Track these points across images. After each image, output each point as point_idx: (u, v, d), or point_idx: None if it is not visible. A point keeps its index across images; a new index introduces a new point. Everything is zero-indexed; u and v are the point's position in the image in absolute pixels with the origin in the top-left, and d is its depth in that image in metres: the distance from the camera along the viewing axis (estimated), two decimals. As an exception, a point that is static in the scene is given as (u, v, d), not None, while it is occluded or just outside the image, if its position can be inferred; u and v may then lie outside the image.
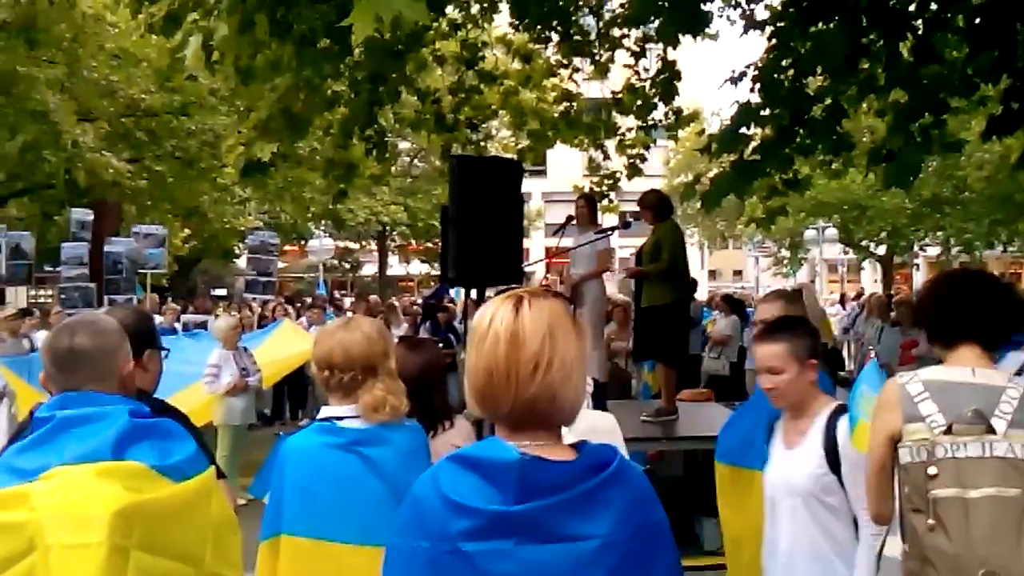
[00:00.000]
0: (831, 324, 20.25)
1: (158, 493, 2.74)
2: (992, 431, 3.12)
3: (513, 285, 13.18)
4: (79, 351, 2.96)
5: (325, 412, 3.62)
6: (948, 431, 3.14)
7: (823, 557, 3.85)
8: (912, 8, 8.79)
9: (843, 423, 3.88)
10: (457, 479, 2.07)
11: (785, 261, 45.76)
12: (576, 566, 2.02)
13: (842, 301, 29.62)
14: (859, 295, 29.76)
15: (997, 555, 3.02)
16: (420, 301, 22.12)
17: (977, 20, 8.56)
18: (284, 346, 12.90)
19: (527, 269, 10.26)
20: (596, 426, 4.19)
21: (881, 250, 39.78)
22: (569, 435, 4.07)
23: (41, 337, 13.08)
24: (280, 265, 45.05)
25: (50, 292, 20.56)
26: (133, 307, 9.72)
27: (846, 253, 43.83)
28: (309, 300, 26.02)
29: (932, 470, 3.12)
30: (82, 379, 2.94)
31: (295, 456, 3.53)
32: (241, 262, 33.75)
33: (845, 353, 21.68)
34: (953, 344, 3.39)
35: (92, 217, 17.75)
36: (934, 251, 41.06)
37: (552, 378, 2.10)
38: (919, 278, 46.62)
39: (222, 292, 38.96)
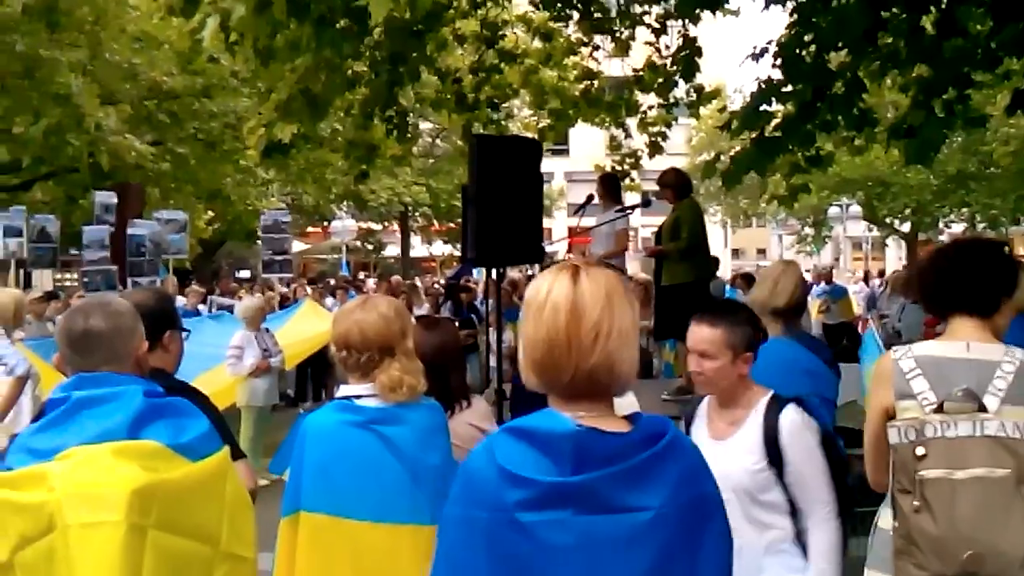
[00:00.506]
0: (852, 302, 20.22)
1: (175, 472, 2.75)
2: (984, 409, 3.08)
3: (534, 264, 13.19)
4: (94, 333, 2.98)
5: (344, 391, 3.65)
6: (939, 409, 3.11)
7: (753, 556, 3.56)
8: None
9: (788, 415, 3.60)
10: (512, 450, 2.08)
11: (809, 239, 45.50)
12: (630, 536, 2.04)
13: (866, 279, 29.49)
14: (882, 273, 29.62)
15: (983, 536, 3.00)
16: (442, 281, 22.14)
17: (1001, -7, 8.47)
18: (306, 326, 12.92)
19: (548, 249, 10.25)
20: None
21: (906, 227, 39.52)
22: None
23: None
24: (303, 247, 45.35)
25: (75, 275, 20.64)
26: (154, 288, 9.76)
27: (870, 230, 43.57)
28: (332, 281, 26.09)
29: (920, 451, 3.09)
30: (97, 361, 2.96)
31: (314, 434, 3.57)
32: (263, 243, 33.90)
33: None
34: (948, 315, 3.36)
35: (116, 200, 17.78)
36: (959, 228, 40.76)
37: (611, 347, 2.12)
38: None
39: (246, 274, 39.05)
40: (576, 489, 2.02)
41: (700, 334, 3.71)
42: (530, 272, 15.76)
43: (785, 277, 5.03)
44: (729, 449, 3.63)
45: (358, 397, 3.58)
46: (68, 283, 20.96)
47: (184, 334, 3.91)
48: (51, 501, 2.57)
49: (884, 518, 3.39)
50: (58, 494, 2.58)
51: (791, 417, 3.59)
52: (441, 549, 2.20)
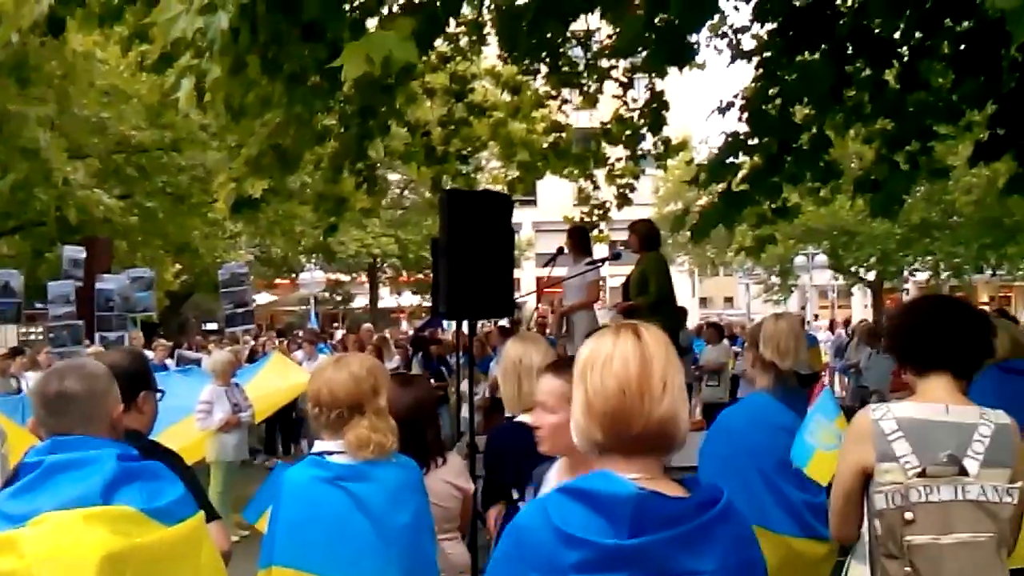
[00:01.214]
0: (820, 351, 20.25)
1: (147, 537, 2.74)
2: (965, 472, 3.12)
3: (505, 318, 13.17)
4: (69, 395, 2.99)
5: (318, 446, 3.67)
6: (922, 474, 3.13)
7: None
8: (897, 36, 8.85)
9: None
10: (568, 511, 2.09)
11: (775, 288, 45.83)
12: None
13: (831, 327, 29.66)
14: (848, 321, 29.79)
15: None
16: (411, 332, 22.08)
17: (962, 47, 8.63)
18: (275, 380, 12.84)
19: (518, 299, 10.28)
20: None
21: (871, 275, 39.86)
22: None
23: (31, 377, 13.05)
24: (272, 298, 45.19)
25: (40, 329, 20.49)
26: (127, 348, 9.68)
27: (836, 279, 43.91)
28: (300, 333, 25.98)
29: (908, 515, 3.12)
30: (71, 423, 2.96)
31: (289, 488, 3.59)
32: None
33: (837, 381, 21.71)
34: (925, 372, 3.36)
35: (85, 254, 17.71)
36: (923, 276, 41.15)
37: (675, 398, 2.16)
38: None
39: (213, 326, 38.85)
40: (634, 552, 2.03)
41: (544, 384, 3.48)
42: (500, 323, 15.74)
43: (796, 337, 4.98)
44: None
45: (330, 453, 3.60)
46: (33, 337, 20.79)
47: (158, 395, 3.90)
48: (21, 569, 2.55)
49: (856, 572, 3.41)
50: (28, 560, 2.56)
51: None
52: None
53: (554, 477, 3.47)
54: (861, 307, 48.78)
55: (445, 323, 17.80)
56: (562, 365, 3.41)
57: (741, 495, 4.54)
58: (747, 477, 4.62)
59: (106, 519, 2.67)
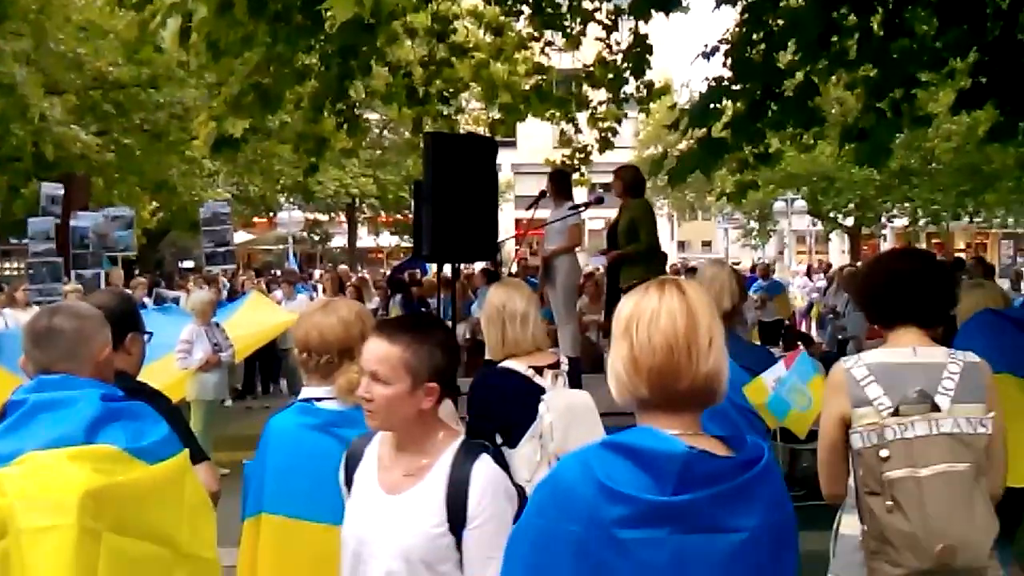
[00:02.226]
0: (788, 299, 20.27)
1: (129, 475, 2.76)
2: (937, 408, 3.20)
3: (487, 261, 13.18)
4: (56, 330, 3.04)
5: (305, 393, 3.66)
6: (895, 413, 3.22)
7: None
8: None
9: (481, 468, 2.94)
10: (613, 466, 2.08)
11: (754, 232, 45.95)
12: (723, 556, 2.07)
13: (808, 273, 29.74)
14: (828, 268, 29.89)
15: (952, 529, 3.12)
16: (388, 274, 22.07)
17: (947, -5, 8.63)
18: (255, 318, 12.83)
19: (500, 242, 10.28)
20: (573, 404, 4.19)
21: (849, 221, 40.02)
22: (547, 414, 4.10)
23: (8, 315, 13.00)
24: (249, 237, 44.98)
25: (16, 264, 20.40)
26: (115, 290, 9.63)
27: (814, 224, 44.04)
28: (278, 272, 25.92)
29: (884, 452, 3.20)
30: (56, 357, 3.01)
31: (276, 436, 3.59)
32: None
33: (814, 327, 21.82)
34: (892, 326, 3.48)
35: (63, 191, 17.59)
36: (901, 222, 41.39)
37: (720, 354, 2.18)
38: (886, 248, 46.90)
39: (190, 264, 38.70)
40: (678, 508, 2.04)
41: (373, 349, 2.98)
42: (483, 266, 15.74)
43: (730, 278, 5.05)
44: (403, 506, 2.96)
45: (318, 399, 3.59)
46: (8, 272, 20.68)
47: (146, 336, 3.91)
48: (4, 507, 2.56)
49: (847, 524, 3.49)
50: (10, 499, 2.58)
51: (485, 471, 2.94)
52: (519, 557, 2.21)
53: (374, 454, 3.12)
54: (839, 252, 49.01)
55: (426, 267, 17.83)
56: (394, 327, 3.05)
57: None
58: None
59: (88, 458, 2.69)
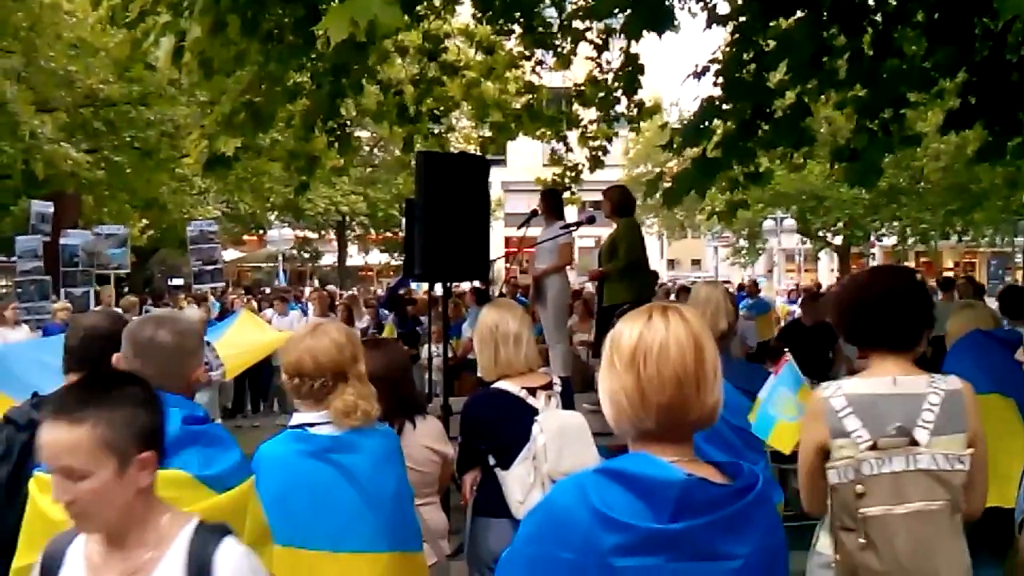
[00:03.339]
0: (772, 320, 19.89)
1: (196, 504, 2.72)
2: (915, 443, 3.18)
3: (479, 279, 13.16)
4: (157, 343, 3.12)
5: (297, 419, 3.62)
6: (873, 447, 3.19)
7: None
8: (872, 3, 8.88)
9: (227, 555, 2.43)
10: (609, 493, 2.07)
11: (743, 251, 46.03)
12: None
13: (789, 296, 29.52)
14: (818, 287, 29.85)
15: (924, 566, 3.12)
16: (383, 292, 22.02)
17: (936, 15, 8.66)
18: (245, 338, 12.79)
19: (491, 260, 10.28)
20: (567, 425, 4.19)
21: (838, 240, 40.14)
22: (540, 435, 4.10)
23: (-1, 332, 12.95)
24: (239, 255, 44.93)
25: (3, 282, 20.37)
26: (107, 310, 9.59)
27: (804, 243, 44.14)
28: (268, 290, 25.89)
29: (859, 488, 3.18)
30: (152, 371, 3.00)
31: (268, 464, 3.53)
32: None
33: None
34: (870, 351, 3.44)
35: (52, 209, 17.59)
36: (890, 241, 41.51)
37: (720, 383, 2.18)
38: (861, 269, 47.11)
39: (180, 282, 38.64)
40: (675, 536, 2.03)
41: (55, 440, 2.29)
42: (474, 285, 15.71)
43: (725, 299, 5.08)
44: None
45: (311, 425, 3.56)
46: (-4, 289, 20.63)
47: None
48: (62, 521, 2.50)
49: (822, 541, 3.47)
50: None
51: (232, 558, 2.45)
52: None
53: (80, 556, 2.47)
54: (828, 271, 49.09)
55: (415, 285, 17.79)
56: (71, 402, 2.33)
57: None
58: None
59: (162, 484, 2.60)
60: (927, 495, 3.15)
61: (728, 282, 31.70)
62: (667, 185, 9.80)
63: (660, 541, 2.02)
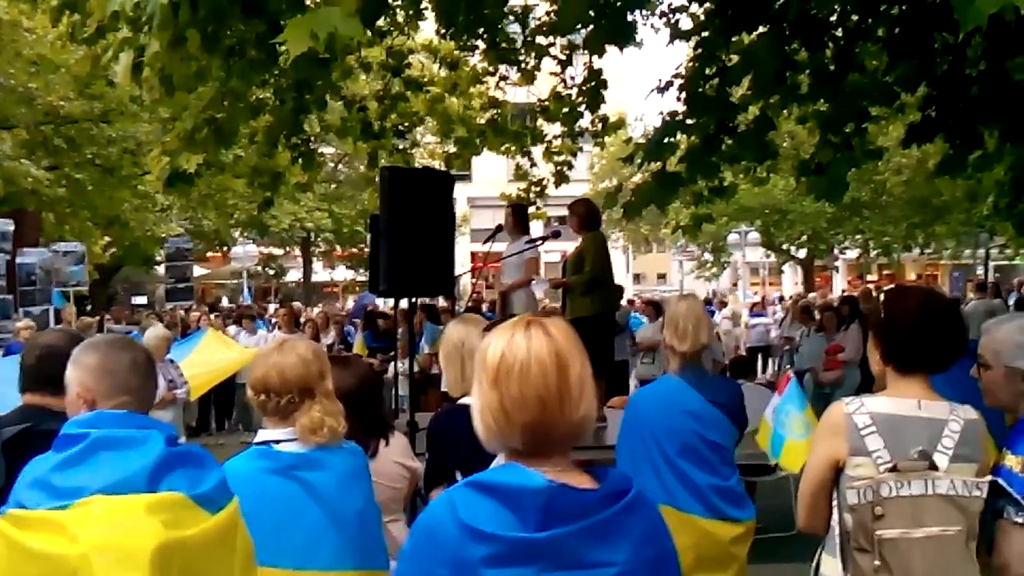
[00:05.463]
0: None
1: (196, 528, 2.69)
2: (935, 467, 3.16)
3: (441, 296, 13.12)
4: (131, 363, 3.02)
5: (262, 436, 3.57)
6: (893, 468, 3.16)
7: None
8: (833, 18, 8.96)
9: None
10: (475, 505, 2.06)
11: (708, 264, 46.27)
12: None
13: (753, 309, 29.59)
14: (781, 299, 29.97)
15: None
16: (350, 307, 21.92)
17: (896, 30, 8.75)
18: (210, 356, 12.73)
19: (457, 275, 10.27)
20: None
21: (802, 253, 40.48)
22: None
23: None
24: (203, 272, 44.66)
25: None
26: (64, 329, 9.46)
27: (768, 256, 44.44)
28: (233, 306, 25.73)
29: (878, 510, 3.15)
30: (122, 391, 2.96)
31: (233, 481, 3.47)
32: (161, 269, 33.29)
33: (770, 358, 21.97)
34: (906, 372, 3.36)
35: (13, 227, 17.41)
36: (853, 254, 41.88)
37: (591, 394, 2.15)
38: (839, 280, 47.53)
39: (142, 300, 38.37)
40: (542, 545, 2.01)
41: None
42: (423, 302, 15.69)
43: (704, 312, 5.08)
44: None
45: (277, 442, 3.52)
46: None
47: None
48: (74, 555, 2.47)
49: (827, 564, 3.40)
50: (83, 547, 2.48)
51: None
52: None
53: None
54: (792, 284, 49.41)
55: (380, 302, 17.72)
56: None
57: (651, 477, 4.64)
58: (654, 460, 4.74)
59: (161, 508, 2.60)
60: (944, 520, 3.13)
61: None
62: (625, 199, 9.84)
63: (529, 551, 2.01)
